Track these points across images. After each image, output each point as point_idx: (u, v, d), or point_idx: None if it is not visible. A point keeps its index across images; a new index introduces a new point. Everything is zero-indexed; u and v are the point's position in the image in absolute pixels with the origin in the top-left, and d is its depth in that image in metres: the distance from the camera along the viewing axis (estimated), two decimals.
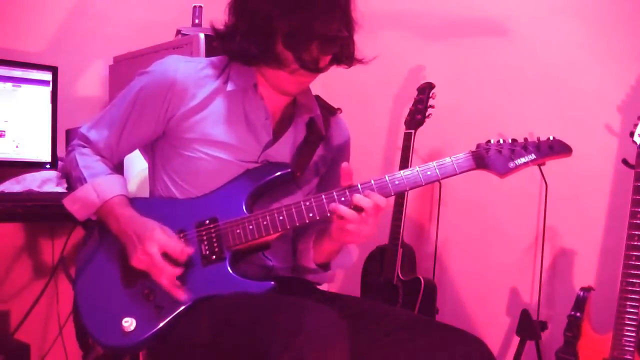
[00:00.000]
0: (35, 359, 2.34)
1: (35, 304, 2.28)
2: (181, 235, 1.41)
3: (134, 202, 1.47)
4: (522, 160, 1.36)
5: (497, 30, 2.44)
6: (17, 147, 2.15)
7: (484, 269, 2.47)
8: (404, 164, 2.36)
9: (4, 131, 2.12)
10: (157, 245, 1.34)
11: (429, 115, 2.38)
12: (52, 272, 2.33)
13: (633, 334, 1.77)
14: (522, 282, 2.35)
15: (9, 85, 2.13)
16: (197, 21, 2.27)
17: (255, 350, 1.16)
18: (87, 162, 1.49)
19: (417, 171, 1.35)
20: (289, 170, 1.46)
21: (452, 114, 2.49)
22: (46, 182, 2.04)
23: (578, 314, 1.89)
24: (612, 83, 2.13)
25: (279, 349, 1.11)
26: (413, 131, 2.39)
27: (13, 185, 2.00)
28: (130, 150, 1.56)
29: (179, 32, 2.23)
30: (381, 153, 2.82)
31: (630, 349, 1.77)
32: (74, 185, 1.49)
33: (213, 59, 1.50)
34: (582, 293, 1.92)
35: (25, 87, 2.16)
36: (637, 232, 1.78)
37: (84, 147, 1.52)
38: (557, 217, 2.23)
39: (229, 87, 1.45)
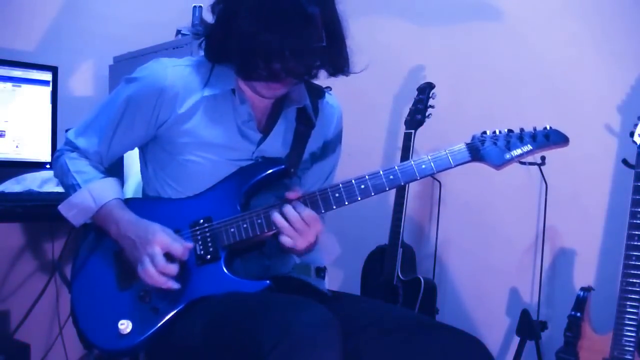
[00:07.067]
0: (35, 359, 2.34)
1: (35, 304, 2.28)
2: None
3: (128, 203, 1.46)
4: (518, 151, 1.33)
5: (498, 31, 2.45)
6: (17, 147, 2.15)
7: (484, 269, 2.47)
8: None
9: (4, 131, 2.13)
10: (160, 246, 1.34)
11: (429, 115, 2.38)
12: (52, 272, 2.33)
13: (633, 334, 1.77)
14: (522, 282, 2.34)
15: (9, 85, 2.13)
16: (197, 21, 2.27)
17: (247, 350, 1.16)
18: (79, 166, 1.47)
19: (412, 164, 1.35)
20: (283, 166, 1.46)
21: (452, 114, 2.49)
22: (46, 182, 2.04)
23: (578, 314, 1.89)
24: (612, 83, 2.13)
25: (268, 349, 1.11)
26: (413, 131, 2.39)
27: (13, 185, 2.00)
28: (120, 155, 1.55)
29: (179, 32, 2.24)
30: (381, 153, 2.82)
31: (630, 349, 1.77)
32: (67, 191, 1.48)
33: (200, 59, 1.48)
34: (582, 293, 1.92)
35: (25, 87, 2.16)
36: (637, 232, 1.78)
37: (72, 151, 1.51)
38: (557, 217, 2.23)
39: (207, 92, 1.44)
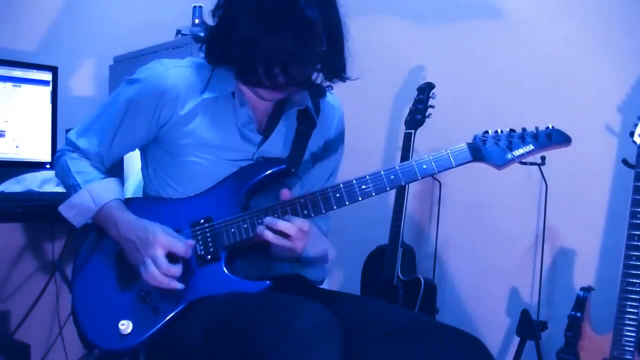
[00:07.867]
0: (35, 359, 2.34)
1: (35, 304, 2.28)
2: None
3: (129, 203, 1.46)
4: (520, 151, 1.33)
5: (498, 31, 2.45)
6: (17, 147, 2.15)
7: (484, 268, 2.47)
8: None
9: (4, 131, 2.13)
10: (161, 248, 1.34)
11: (429, 115, 2.38)
12: (52, 272, 2.33)
13: (633, 334, 1.77)
14: (522, 282, 2.34)
15: (9, 85, 2.13)
16: (197, 21, 2.27)
17: (247, 351, 1.16)
18: (79, 167, 1.47)
19: (413, 164, 1.35)
20: (284, 166, 1.45)
21: (452, 113, 2.49)
22: (46, 182, 2.04)
23: (578, 314, 1.89)
24: (612, 83, 2.13)
25: (268, 350, 1.11)
26: (413, 131, 2.39)
27: (13, 185, 2.00)
28: (121, 156, 1.55)
29: (179, 32, 2.24)
30: (381, 153, 2.82)
31: (630, 349, 1.77)
32: (68, 192, 1.48)
33: (201, 60, 1.48)
34: (582, 293, 1.91)
35: (25, 87, 2.16)
36: (637, 232, 1.78)
37: (73, 152, 1.51)
38: (557, 217, 2.23)
39: (207, 94, 1.44)
